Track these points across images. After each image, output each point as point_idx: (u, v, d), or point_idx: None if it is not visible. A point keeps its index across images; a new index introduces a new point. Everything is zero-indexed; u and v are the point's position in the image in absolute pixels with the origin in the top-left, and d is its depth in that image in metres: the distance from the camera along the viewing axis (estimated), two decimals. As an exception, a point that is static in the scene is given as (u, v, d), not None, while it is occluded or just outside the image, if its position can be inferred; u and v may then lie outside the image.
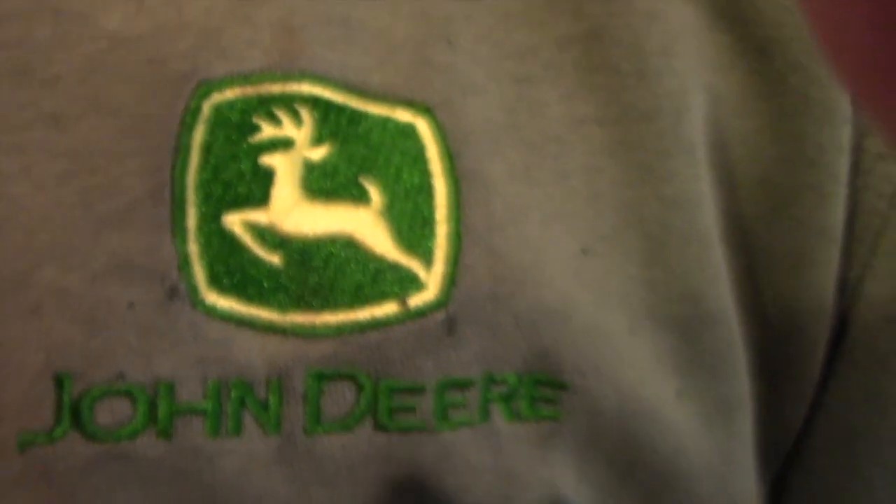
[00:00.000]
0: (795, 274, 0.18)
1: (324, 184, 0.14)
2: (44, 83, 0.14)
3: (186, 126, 0.14)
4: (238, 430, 0.13)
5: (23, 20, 0.14)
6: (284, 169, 0.14)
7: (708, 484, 0.17)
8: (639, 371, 0.16)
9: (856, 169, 0.17)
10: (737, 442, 0.18)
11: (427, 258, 0.14)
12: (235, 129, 0.14)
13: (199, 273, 0.13)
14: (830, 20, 0.07)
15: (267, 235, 0.14)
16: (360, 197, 0.14)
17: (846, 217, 0.17)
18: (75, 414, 0.13)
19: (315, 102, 0.14)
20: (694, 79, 0.16)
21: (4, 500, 0.14)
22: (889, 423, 0.17)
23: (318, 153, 0.14)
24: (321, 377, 0.14)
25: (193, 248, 0.13)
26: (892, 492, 0.19)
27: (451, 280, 0.14)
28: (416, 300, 0.14)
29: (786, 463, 0.19)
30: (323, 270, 0.14)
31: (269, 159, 0.14)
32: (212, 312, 0.13)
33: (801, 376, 0.18)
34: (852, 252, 0.17)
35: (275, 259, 0.14)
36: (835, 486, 0.19)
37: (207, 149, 0.14)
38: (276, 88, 0.14)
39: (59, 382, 0.13)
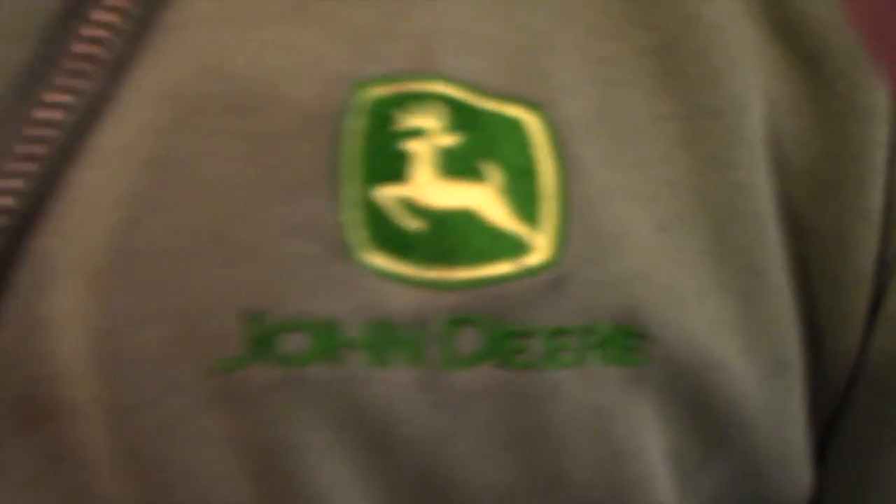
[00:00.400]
0: (839, 252, 0.20)
1: (453, 166, 0.17)
2: (228, 78, 0.17)
3: (347, 117, 0.17)
4: (387, 362, 0.17)
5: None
6: (422, 153, 0.17)
7: (764, 429, 0.20)
8: (708, 329, 0.19)
9: (892, 162, 0.20)
10: (789, 395, 0.20)
11: (537, 227, 0.17)
12: (385, 120, 0.17)
13: (360, 235, 0.17)
14: (872, 17, 0.10)
15: (409, 207, 0.17)
16: (481, 177, 0.17)
17: (883, 204, 0.20)
18: (260, 346, 0.16)
19: (445, 100, 0.17)
20: (753, 84, 0.19)
21: (196, 418, 0.17)
22: None
23: (448, 141, 0.17)
24: (453, 322, 0.17)
25: (355, 215, 0.17)
26: None
27: (557, 245, 0.17)
28: (528, 261, 0.17)
29: (830, 423, 0.22)
30: (453, 236, 0.17)
31: (411, 145, 0.17)
32: (369, 267, 0.17)
33: (843, 341, 0.21)
34: (889, 234, 0.20)
35: (415, 225, 0.17)
36: (869, 441, 0.22)
37: (363, 135, 0.17)
38: (415, 87, 0.17)
39: (247, 320, 0.16)
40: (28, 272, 0.17)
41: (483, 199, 0.17)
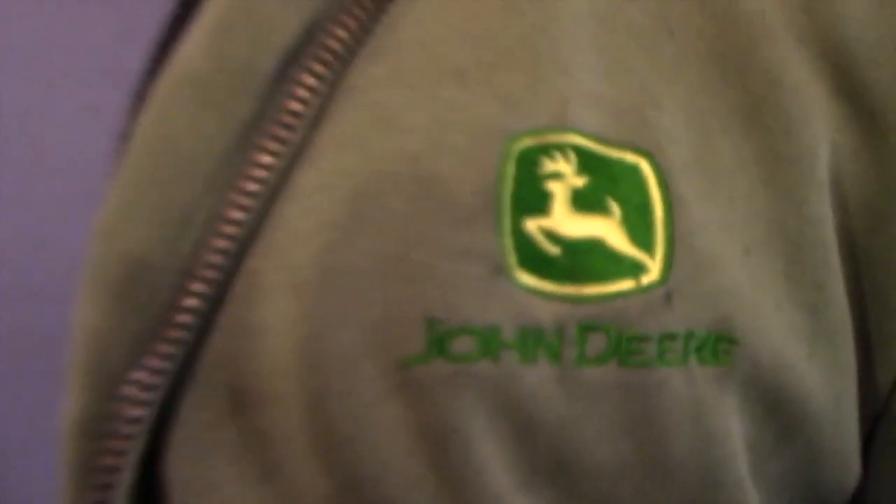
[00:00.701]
0: (888, 275, 0.24)
1: (584, 202, 0.21)
2: (403, 130, 0.21)
3: (501, 162, 0.21)
4: (534, 361, 0.20)
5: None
6: (559, 192, 0.21)
7: (826, 426, 0.24)
8: (783, 336, 0.23)
9: None
10: (846, 396, 0.24)
11: (651, 252, 0.21)
12: (531, 165, 0.21)
13: (512, 258, 0.21)
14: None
15: (550, 235, 0.21)
16: (607, 211, 0.21)
17: None
18: (437, 346, 0.20)
19: (577, 149, 0.21)
20: (822, 135, 0.23)
21: (382, 405, 0.21)
22: None
23: (580, 182, 0.21)
24: (583, 329, 0.21)
25: (508, 242, 0.21)
26: None
27: (666, 266, 0.21)
28: (644, 280, 0.21)
29: (874, 426, 0.26)
30: (584, 259, 0.21)
31: (551, 186, 0.21)
32: (520, 284, 0.21)
33: (889, 352, 0.25)
34: None
35: (554, 251, 0.21)
36: None
37: (514, 178, 0.21)
38: (554, 139, 0.21)
39: (429, 325, 0.20)
40: (241, 286, 0.21)
41: (608, 229, 0.21)
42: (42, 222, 0.26)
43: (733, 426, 0.23)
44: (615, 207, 0.22)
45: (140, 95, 0.23)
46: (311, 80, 0.21)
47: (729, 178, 0.23)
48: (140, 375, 0.20)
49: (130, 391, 0.20)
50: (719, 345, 0.22)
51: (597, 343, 0.21)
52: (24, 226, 0.26)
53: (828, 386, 0.24)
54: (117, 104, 0.23)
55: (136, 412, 0.21)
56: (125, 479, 0.21)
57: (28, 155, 0.26)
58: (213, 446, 0.22)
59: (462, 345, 0.20)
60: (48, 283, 0.26)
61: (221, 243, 0.20)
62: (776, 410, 0.23)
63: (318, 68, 0.21)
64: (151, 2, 0.24)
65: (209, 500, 0.22)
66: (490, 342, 0.20)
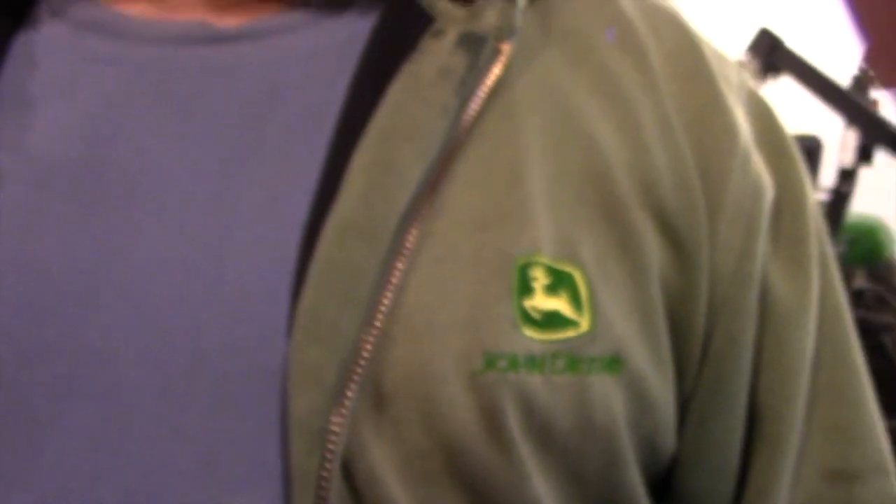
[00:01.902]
0: (690, 326, 0.46)
1: (549, 291, 0.41)
2: (457, 255, 0.40)
3: (513, 271, 0.40)
4: (533, 372, 0.40)
5: None
6: (538, 286, 0.41)
7: (661, 404, 0.45)
8: (641, 357, 0.43)
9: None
10: (667, 380, 0.45)
11: (582, 316, 0.41)
12: (525, 272, 0.41)
13: (519, 320, 0.40)
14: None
15: (534, 309, 0.41)
16: (560, 296, 0.42)
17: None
18: (490, 364, 0.38)
19: (544, 264, 0.41)
20: (655, 257, 0.44)
21: (461, 397, 0.39)
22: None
23: (547, 281, 0.41)
24: (553, 356, 0.40)
25: (517, 312, 0.40)
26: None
27: (591, 323, 0.41)
28: (581, 330, 0.41)
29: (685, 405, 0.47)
30: (551, 320, 0.41)
31: (534, 283, 0.41)
32: (524, 334, 0.39)
33: (692, 347, 0.45)
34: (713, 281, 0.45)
35: (537, 316, 0.41)
36: (705, 412, 0.47)
37: (518, 279, 0.40)
38: (534, 259, 0.41)
39: (485, 354, 0.39)
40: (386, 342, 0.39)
41: (561, 305, 0.41)
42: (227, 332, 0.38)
43: (618, 407, 0.43)
44: (564, 294, 0.42)
45: (310, 230, 0.40)
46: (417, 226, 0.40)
47: (614, 278, 0.44)
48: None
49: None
50: (616, 364, 0.42)
51: (560, 363, 0.41)
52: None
53: (658, 373, 0.44)
54: (288, 238, 0.40)
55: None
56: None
57: (213, 276, 0.38)
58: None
59: (500, 364, 0.39)
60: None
61: (375, 331, 0.38)
62: (640, 397, 0.44)
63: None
64: (306, 157, 0.41)
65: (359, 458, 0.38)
66: (513, 362, 0.40)
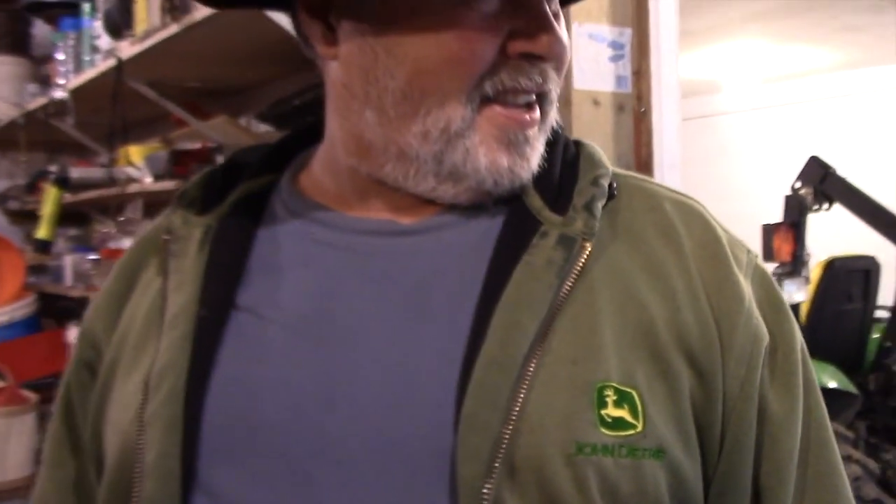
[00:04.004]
0: (710, 424, 0.68)
1: (617, 404, 0.64)
2: (550, 380, 0.64)
3: (593, 392, 0.63)
4: (607, 456, 0.62)
5: None
6: (609, 400, 0.64)
7: (690, 484, 0.66)
8: (678, 448, 0.64)
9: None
10: (696, 462, 0.67)
11: (637, 420, 0.64)
12: (602, 392, 0.63)
13: (598, 422, 0.62)
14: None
15: (608, 416, 0.63)
16: (623, 407, 0.64)
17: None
18: (579, 450, 0.61)
19: (613, 387, 0.64)
20: (686, 379, 0.66)
21: (564, 468, 0.61)
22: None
23: (615, 398, 0.64)
24: (620, 446, 0.62)
25: (598, 418, 0.62)
26: None
27: (644, 426, 0.64)
28: (638, 430, 0.64)
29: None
30: (618, 423, 0.63)
31: (607, 399, 0.64)
32: (601, 431, 0.61)
33: (713, 439, 0.66)
34: (726, 394, 0.66)
35: (609, 421, 0.63)
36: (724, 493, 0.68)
37: (596, 397, 0.63)
38: (604, 384, 0.63)
39: (575, 443, 0.61)
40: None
41: (624, 412, 0.64)
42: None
43: (662, 481, 0.64)
44: (626, 406, 0.64)
45: (466, 363, 0.63)
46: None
47: (659, 396, 0.65)
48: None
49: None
50: (660, 453, 0.64)
51: (624, 451, 0.63)
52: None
53: (692, 465, 0.66)
54: (452, 367, 0.64)
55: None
56: None
57: (404, 392, 0.62)
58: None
59: (586, 450, 0.61)
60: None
61: (510, 426, 0.61)
62: (676, 475, 0.65)
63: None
64: (460, 315, 0.64)
65: None
66: (594, 449, 0.61)
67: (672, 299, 0.66)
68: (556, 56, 0.66)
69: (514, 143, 0.66)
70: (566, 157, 0.71)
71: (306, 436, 0.62)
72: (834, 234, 3.12)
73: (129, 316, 0.74)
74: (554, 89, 0.68)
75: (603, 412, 0.61)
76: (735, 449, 0.65)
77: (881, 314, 3.88)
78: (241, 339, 0.67)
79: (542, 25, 0.64)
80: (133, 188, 2.42)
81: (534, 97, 0.66)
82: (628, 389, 0.62)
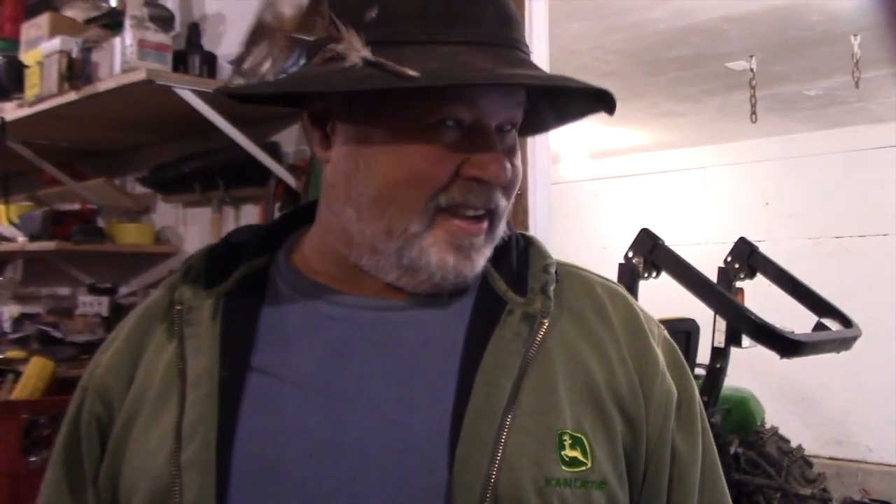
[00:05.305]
0: (634, 455, 0.86)
1: (571, 448, 0.81)
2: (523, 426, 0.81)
3: (557, 438, 0.80)
4: (565, 489, 0.79)
5: None
6: (566, 444, 0.81)
7: None
8: (609, 477, 0.84)
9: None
10: (625, 492, 0.85)
11: (588, 459, 0.81)
12: (561, 439, 0.80)
13: (559, 461, 0.79)
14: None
15: (568, 457, 0.81)
16: (580, 451, 0.82)
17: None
18: (546, 483, 0.78)
19: (569, 433, 0.82)
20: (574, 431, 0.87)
21: (535, 498, 0.78)
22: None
23: (570, 441, 0.82)
24: (573, 479, 0.80)
25: (559, 458, 0.79)
26: None
27: (594, 464, 0.81)
28: (588, 466, 0.81)
29: None
30: (573, 461, 0.81)
31: (565, 442, 0.81)
32: (562, 468, 0.79)
33: (638, 473, 0.84)
34: (648, 438, 0.84)
35: (567, 461, 0.81)
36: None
37: (557, 445, 0.80)
38: (561, 432, 0.81)
39: (545, 478, 0.78)
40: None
41: (578, 454, 0.81)
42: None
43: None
44: (579, 448, 0.81)
45: (455, 413, 0.78)
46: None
47: (601, 441, 0.81)
48: None
49: None
50: (603, 484, 0.80)
51: (578, 483, 0.78)
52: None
53: (624, 493, 0.83)
54: (443, 418, 0.79)
55: None
56: None
57: (403, 440, 0.75)
58: None
59: (552, 483, 0.76)
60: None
61: (495, 465, 0.76)
62: (614, 500, 0.83)
63: None
64: (447, 374, 0.78)
65: None
66: (558, 482, 0.75)
67: (608, 364, 0.84)
68: (502, 183, 0.79)
69: (461, 247, 0.80)
70: (519, 248, 0.89)
71: (322, 476, 0.76)
72: (667, 298, 3.47)
73: (145, 374, 0.84)
74: (502, 206, 0.81)
75: (563, 453, 0.78)
76: (654, 482, 0.84)
77: (699, 371, 4.26)
78: (260, 396, 0.80)
79: (493, 157, 0.78)
80: (9, 247, 2.40)
81: (483, 212, 0.80)
82: (580, 435, 0.79)
